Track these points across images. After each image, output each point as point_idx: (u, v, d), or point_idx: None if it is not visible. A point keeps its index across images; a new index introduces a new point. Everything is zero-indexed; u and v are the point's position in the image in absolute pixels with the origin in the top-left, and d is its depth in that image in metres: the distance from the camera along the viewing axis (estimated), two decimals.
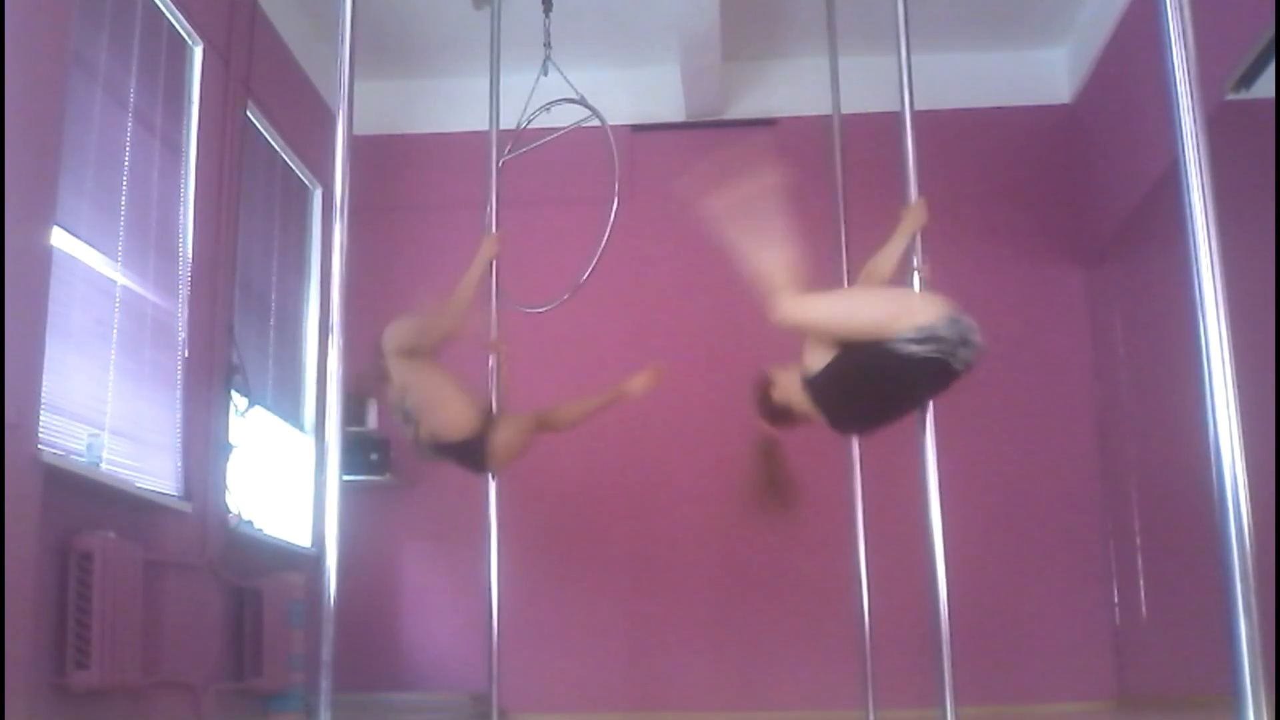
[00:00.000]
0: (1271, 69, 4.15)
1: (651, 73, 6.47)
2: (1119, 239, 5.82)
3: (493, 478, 4.11)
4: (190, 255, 4.67)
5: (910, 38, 3.33)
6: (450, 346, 4.08)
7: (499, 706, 3.97)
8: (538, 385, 4.98)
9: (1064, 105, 6.39)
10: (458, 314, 4.06)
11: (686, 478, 6.13)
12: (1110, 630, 5.87)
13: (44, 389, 3.41)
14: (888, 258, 3.30)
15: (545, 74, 4.81)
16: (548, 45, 4.84)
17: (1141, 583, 5.62)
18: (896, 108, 3.28)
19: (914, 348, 2.89)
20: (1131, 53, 5.46)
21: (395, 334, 3.95)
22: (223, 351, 4.86)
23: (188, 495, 4.47)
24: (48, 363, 3.43)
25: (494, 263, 4.38)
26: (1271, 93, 4.22)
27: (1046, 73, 6.46)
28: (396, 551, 6.18)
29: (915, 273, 3.17)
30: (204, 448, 4.64)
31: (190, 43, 4.82)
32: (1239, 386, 2.16)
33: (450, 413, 3.88)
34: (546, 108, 4.89)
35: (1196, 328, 2.20)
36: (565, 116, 4.97)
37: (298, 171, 6.04)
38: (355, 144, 2.86)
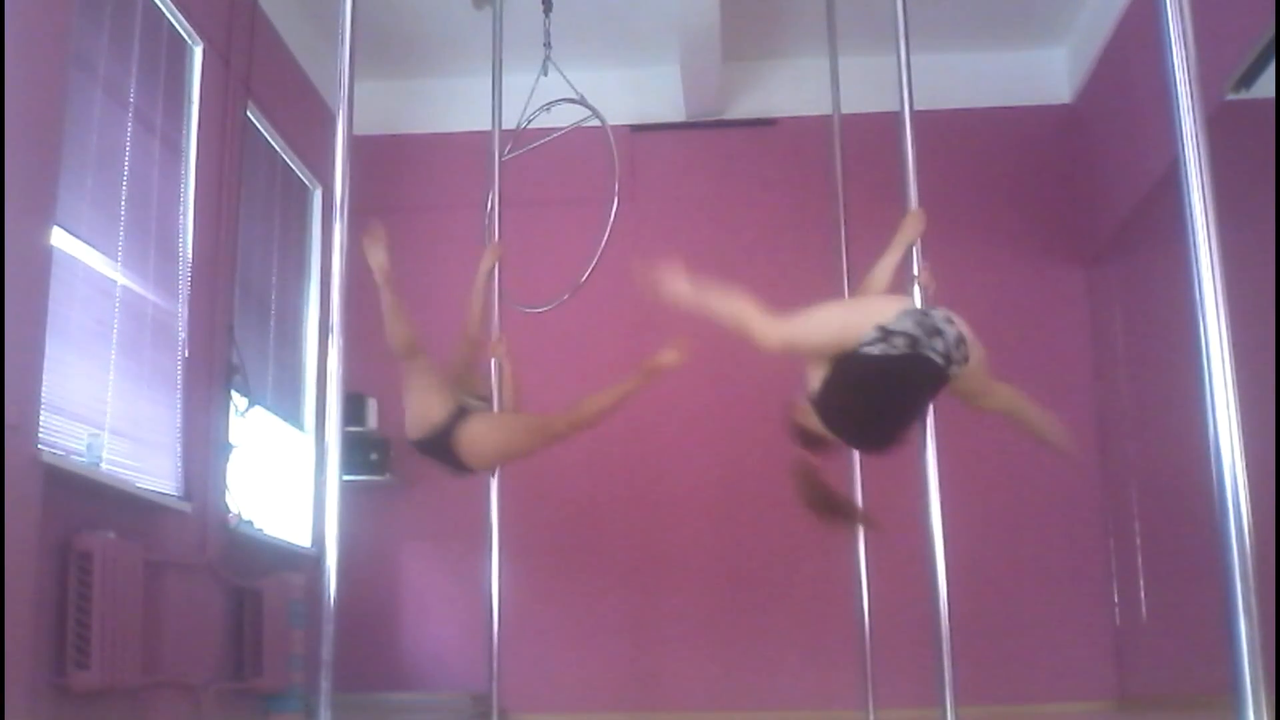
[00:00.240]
0: (1271, 69, 4.15)
1: (651, 73, 6.47)
2: (1119, 239, 5.82)
3: (493, 477, 4.09)
4: (190, 255, 4.67)
5: (910, 38, 3.33)
6: (474, 355, 4.08)
7: (499, 706, 3.97)
8: (538, 385, 4.97)
9: (1064, 105, 6.39)
10: (473, 327, 4.08)
11: (687, 478, 6.13)
12: (1110, 630, 5.87)
13: (44, 389, 3.41)
14: (885, 268, 3.29)
15: (545, 74, 4.81)
16: (548, 45, 4.84)
17: (1141, 583, 5.62)
18: (896, 108, 3.28)
19: (879, 348, 2.93)
20: (1131, 53, 5.46)
21: (392, 337, 3.93)
22: (223, 351, 4.86)
23: (188, 495, 4.47)
24: (48, 363, 3.43)
25: (495, 263, 4.37)
26: (1271, 93, 4.22)
27: (1046, 73, 6.46)
28: (396, 551, 6.18)
29: (916, 281, 3.15)
30: (204, 448, 4.64)
31: (190, 43, 4.82)
32: (1239, 386, 2.16)
33: (417, 407, 3.80)
34: (546, 108, 4.89)
35: (1196, 328, 2.20)
36: (565, 116, 4.97)
37: (298, 171, 6.04)
38: (355, 144, 2.86)
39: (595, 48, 6.18)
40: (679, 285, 3.46)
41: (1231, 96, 4.28)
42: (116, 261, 4.12)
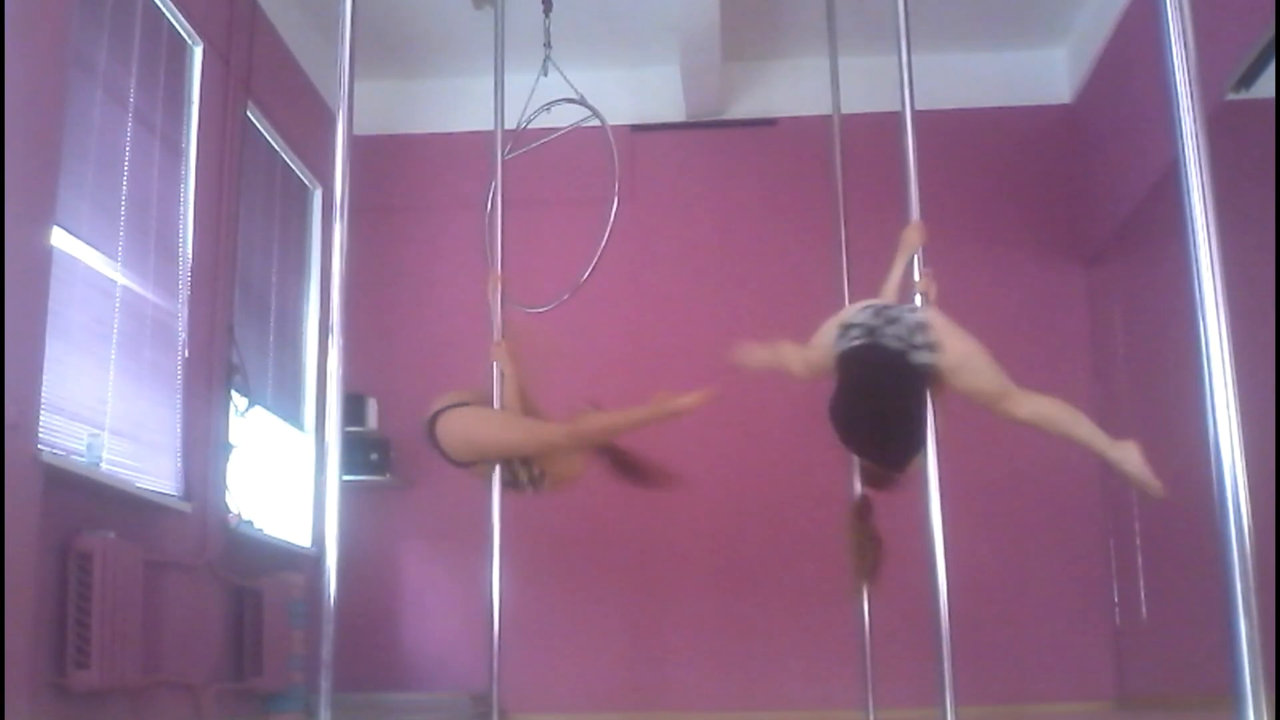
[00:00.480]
0: (1271, 69, 4.15)
1: (651, 73, 6.47)
2: (1119, 239, 5.82)
3: (493, 477, 4.07)
4: (190, 255, 4.67)
5: (910, 38, 3.33)
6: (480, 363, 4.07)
7: (499, 706, 3.97)
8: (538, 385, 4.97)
9: (1064, 105, 6.39)
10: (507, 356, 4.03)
11: (688, 478, 6.12)
12: (1110, 630, 5.87)
13: (44, 389, 3.41)
14: (891, 283, 3.34)
15: (545, 74, 4.81)
16: (548, 45, 4.84)
17: (1141, 583, 5.62)
18: (896, 108, 3.28)
19: (841, 344, 3.14)
20: (1131, 53, 5.46)
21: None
22: (223, 351, 4.86)
23: (188, 495, 4.47)
24: (48, 363, 3.43)
25: (498, 264, 4.36)
26: (1271, 93, 4.22)
27: (1046, 73, 6.46)
28: (396, 551, 6.18)
29: (918, 289, 3.16)
30: (204, 448, 4.64)
31: (190, 43, 4.82)
32: (1239, 386, 2.16)
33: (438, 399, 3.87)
34: (547, 108, 4.89)
35: (1196, 328, 2.20)
36: (565, 116, 4.97)
37: (298, 171, 6.04)
38: (355, 144, 2.86)
39: (595, 48, 6.18)
40: (756, 354, 3.63)
41: (1231, 96, 4.28)
42: (116, 261, 4.11)
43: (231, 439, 4.85)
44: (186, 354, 4.57)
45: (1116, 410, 5.91)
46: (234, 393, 4.92)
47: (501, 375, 4.01)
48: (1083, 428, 3.18)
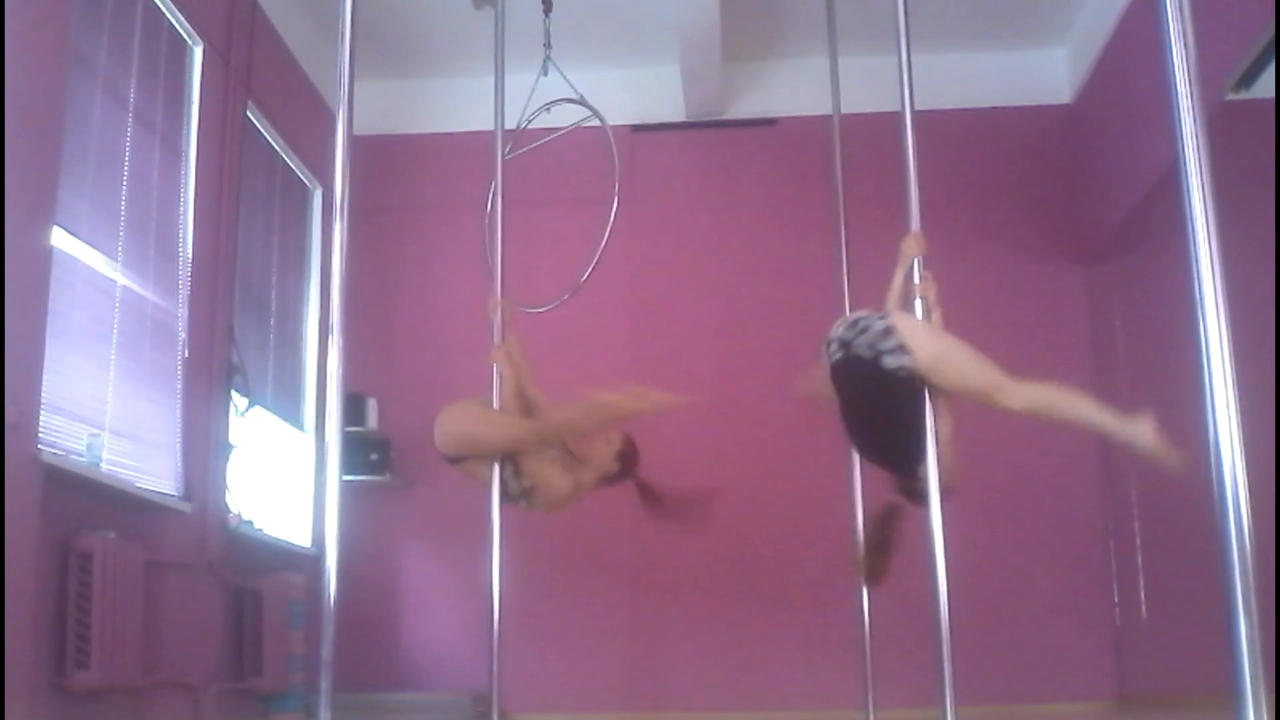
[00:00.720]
0: (1271, 69, 4.15)
1: (651, 73, 6.47)
2: (1119, 239, 5.82)
3: (492, 477, 4.06)
4: (190, 255, 4.67)
5: (910, 38, 3.33)
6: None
7: (499, 706, 3.97)
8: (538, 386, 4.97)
9: (1064, 105, 6.39)
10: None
11: (686, 477, 6.11)
12: (1110, 630, 5.87)
13: (44, 389, 3.41)
14: (892, 293, 3.35)
15: (545, 74, 4.81)
16: (548, 45, 4.84)
17: (1141, 583, 5.62)
18: (896, 108, 3.28)
19: (826, 361, 3.23)
20: (1131, 53, 5.46)
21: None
22: (223, 351, 4.86)
23: (188, 495, 4.47)
24: (48, 363, 3.43)
25: (496, 264, 4.36)
26: (1271, 93, 4.22)
27: (1046, 73, 6.46)
28: (396, 551, 6.18)
29: (918, 292, 3.16)
30: (204, 448, 4.64)
31: (190, 43, 4.82)
32: (1239, 386, 2.16)
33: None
34: (547, 108, 4.89)
35: (1196, 328, 2.20)
36: (565, 116, 4.97)
37: (298, 171, 6.04)
38: (355, 144, 2.86)
39: (595, 48, 6.18)
40: (800, 385, 3.56)
41: (1231, 96, 4.28)
42: (116, 261, 4.11)
43: (231, 439, 4.86)
44: (186, 354, 4.57)
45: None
46: (234, 393, 4.92)
47: (500, 378, 4.02)
48: (1085, 409, 3.10)
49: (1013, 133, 6.44)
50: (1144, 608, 5.59)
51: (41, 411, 3.40)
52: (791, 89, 6.46)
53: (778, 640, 5.88)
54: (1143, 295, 5.68)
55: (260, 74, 5.33)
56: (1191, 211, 2.25)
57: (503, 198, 4.41)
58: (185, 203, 4.70)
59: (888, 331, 3.07)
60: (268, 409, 5.45)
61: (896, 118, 3.27)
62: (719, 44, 5.77)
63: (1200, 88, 2.33)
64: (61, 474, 3.46)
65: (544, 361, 5.79)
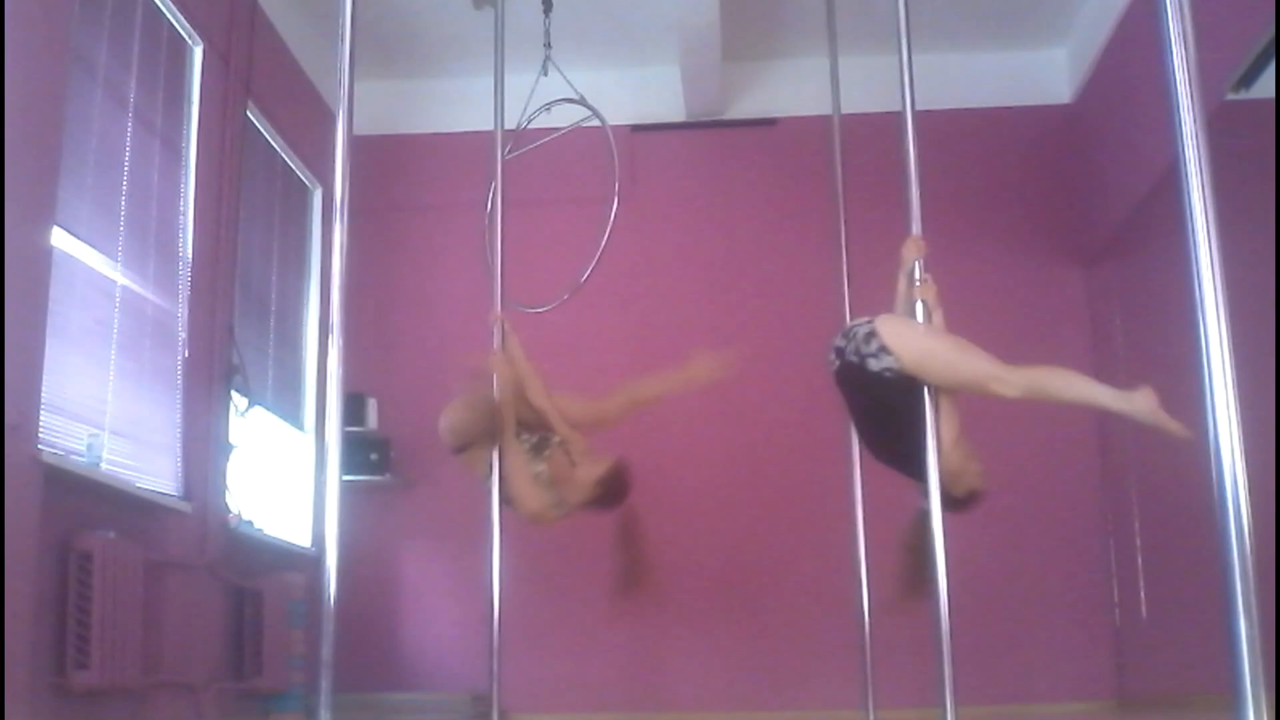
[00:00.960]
0: (1271, 69, 4.15)
1: (651, 73, 6.47)
2: (1119, 239, 5.82)
3: (492, 476, 4.06)
4: (190, 255, 4.67)
5: (910, 38, 3.33)
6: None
7: (499, 706, 3.97)
8: None
9: (1064, 105, 6.39)
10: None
11: (687, 477, 6.13)
12: (1110, 630, 5.87)
13: (44, 389, 3.42)
14: (899, 300, 3.31)
15: (545, 74, 4.81)
16: (548, 45, 4.84)
17: (1141, 583, 5.62)
18: (896, 108, 3.28)
19: (828, 367, 3.28)
20: (1131, 53, 5.47)
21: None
22: (223, 351, 4.86)
23: (188, 495, 4.47)
24: (48, 363, 3.43)
25: (496, 264, 4.36)
26: (1271, 93, 4.22)
27: (1046, 73, 6.46)
28: (396, 551, 6.18)
29: (917, 295, 3.16)
30: (204, 448, 4.64)
31: (190, 43, 4.82)
32: (1239, 386, 2.16)
33: None
34: (547, 108, 4.89)
35: (1196, 328, 2.20)
36: (565, 116, 4.97)
37: (298, 171, 6.04)
38: (355, 144, 2.86)
39: (595, 48, 6.18)
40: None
41: (1231, 96, 4.28)
42: (116, 261, 4.12)
43: (231, 439, 4.85)
44: (186, 354, 4.57)
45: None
46: (234, 393, 4.92)
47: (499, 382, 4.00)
48: (1082, 388, 3.04)
49: (1013, 133, 6.44)
50: (1144, 608, 5.59)
51: (41, 411, 3.40)
52: (791, 89, 6.46)
53: (778, 640, 5.88)
54: (1143, 295, 5.68)
55: (260, 74, 5.32)
56: (1191, 211, 2.25)
57: (503, 198, 4.41)
58: (185, 203, 4.70)
59: (870, 335, 3.11)
60: (268, 409, 5.45)
61: (896, 118, 3.27)
62: (719, 44, 5.77)
63: (1200, 88, 2.32)
64: (61, 474, 3.46)
65: (544, 362, 5.80)
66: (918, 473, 3.05)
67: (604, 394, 4.10)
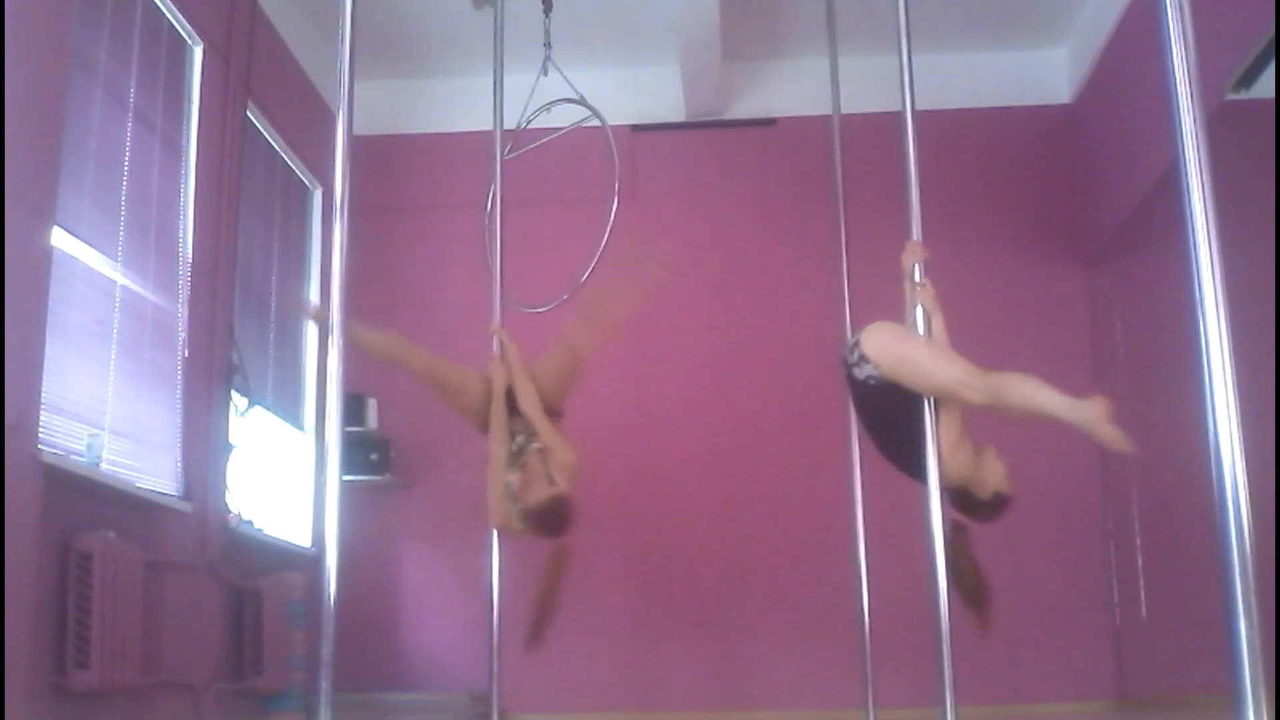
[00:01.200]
0: (1271, 69, 4.15)
1: (651, 73, 6.47)
2: (1119, 239, 5.82)
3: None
4: (190, 255, 4.67)
5: (910, 38, 3.33)
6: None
7: (499, 706, 3.97)
8: None
9: (1064, 105, 6.39)
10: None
11: (687, 477, 6.13)
12: (1110, 630, 5.87)
13: (44, 389, 3.41)
14: (908, 308, 3.29)
15: (545, 74, 4.81)
16: (548, 45, 4.85)
17: (1141, 583, 5.62)
18: (896, 108, 3.28)
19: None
20: (1131, 53, 5.47)
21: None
22: (223, 351, 4.86)
23: (188, 495, 4.47)
24: (48, 363, 3.43)
25: (496, 264, 4.37)
26: (1271, 93, 4.22)
27: (1046, 73, 6.46)
28: (396, 551, 6.18)
29: (918, 301, 3.17)
30: (204, 448, 4.64)
31: (190, 43, 4.82)
32: (1239, 386, 2.16)
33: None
34: (547, 108, 4.89)
35: (1196, 328, 2.20)
36: (565, 116, 4.98)
37: (298, 171, 6.04)
38: (355, 144, 2.86)
39: (595, 48, 6.18)
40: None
41: (1231, 96, 4.28)
42: (116, 261, 4.11)
43: (231, 439, 4.85)
44: (186, 354, 4.57)
45: (1116, 410, 5.90)
46: (234, 393, 4.92)
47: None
48: (1041, 398, 2.98)
49: (1013, 133, 6.44)
50: (1144, 608, 5.59)
51: (41, 411, 3.40)
52: (791, 89, 6.46)
53: (778, 640, 5.88)
54: (1143, 295, 5.68)
55: (260, 74, 5.32)
56: (1191, 211, 2.25)
57: (503, 198, 4.41)
58: (185, 203, 4.70)
59: (855, 345, 3.23)
60: (268, 409, 5.45)
61: (896, 118, 3.27)
62: (719, 44, 5.77)
63: (1200, 88, 2.32)
64: (61, 474, 3.46)
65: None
66: (921, 476, 3.06)
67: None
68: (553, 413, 3.81)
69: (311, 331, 6.10)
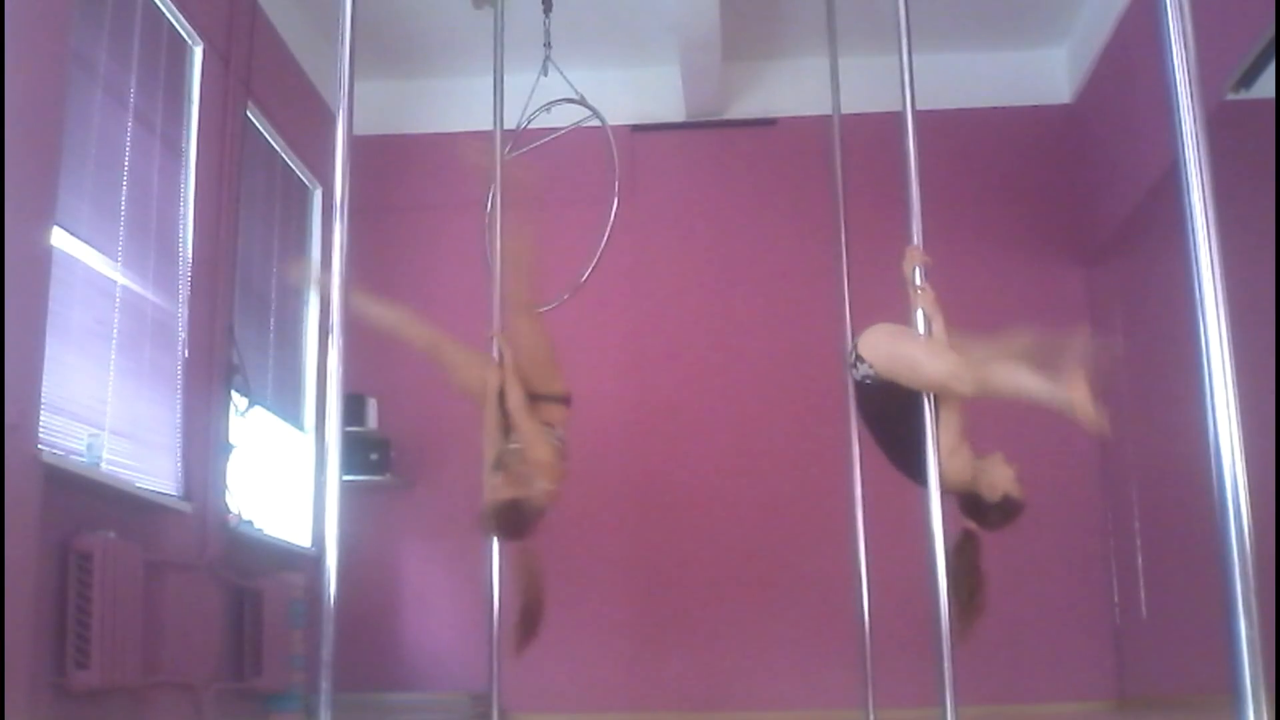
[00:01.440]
0: (1271, 69, 4.15)
1: (651, 73, 6.47)
2: (1119, 239, 5.82)
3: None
4: (190, 255, 4.67)
5: (911, 38, 3.33)
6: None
7: (499, 706, 3.97)
8: None
9: (1064, 105, 6.39)
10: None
11: (687, 477, 6.13)
12: (1110, 630, 5.87)
13: (44, 389, 3.41)
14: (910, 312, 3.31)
15: (545, 74, 4.81)
16: (548, 45, 4.85)
17: (1141, 583, 5.62)
18: (896, 108, 3.28)
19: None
20: (1131, 53, 5.47)
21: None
22: (223, 351, 4.86)
23: (188, 495, 4.47)
24: (48, 363, 3.43)
25: (495, 264, 4.36)
26: (1271, 93, 4.22)
27: (1046, 73, 6.46)
28: (396, 551, 6.18)
29: (918, 304, 3.18)
30: (204, 448, 4.64)
31: (190, 43, 4.82)
32: (1239, 386, 2.16)
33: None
34: (547, 108, 4.89)
35: (1196, 328, 2.20)
36: (565, 116, 4.97)
37: (298, 171, 6.04)
38: (355, 144, 2.86)
39: (595, 48, 6.18)
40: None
41: (1231, 96, 4.28)
42: (116, 261, 4.12)
43: (231, 439, 4.85)
44: (186, 354, 4.57)
45: (1117, 410, 5.91)
46: (234, 393, 4.92)
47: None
48: (1024, 383, 3.06)
49: (1013, 133, 6.44)
50: (1144, 608, 5.59)
51: (41, 411, 3.40)
52: (791, 89, 6.46)
53: (778, 640, 5.88)
54: (1143, 295, 5.68)
55: (260, 74, 5.32)
56: (1191, 211, 2.25)
57: (503, 198, 4.41)
58: (185, 203, 4.70)
59: (854, 347, 3.30)
60: (268, 409, 5.45)
61: (896, 118, 3.27)
62: (719, 44, 5.77)
63: (1200, 88, 2.32)
64: (61, 474, 3.46)
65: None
66: (920, 477, 3.06)
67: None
68: (556, 399, 3.77)
69: (311, 331, 6.10)
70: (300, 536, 5.70)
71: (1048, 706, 5.75)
